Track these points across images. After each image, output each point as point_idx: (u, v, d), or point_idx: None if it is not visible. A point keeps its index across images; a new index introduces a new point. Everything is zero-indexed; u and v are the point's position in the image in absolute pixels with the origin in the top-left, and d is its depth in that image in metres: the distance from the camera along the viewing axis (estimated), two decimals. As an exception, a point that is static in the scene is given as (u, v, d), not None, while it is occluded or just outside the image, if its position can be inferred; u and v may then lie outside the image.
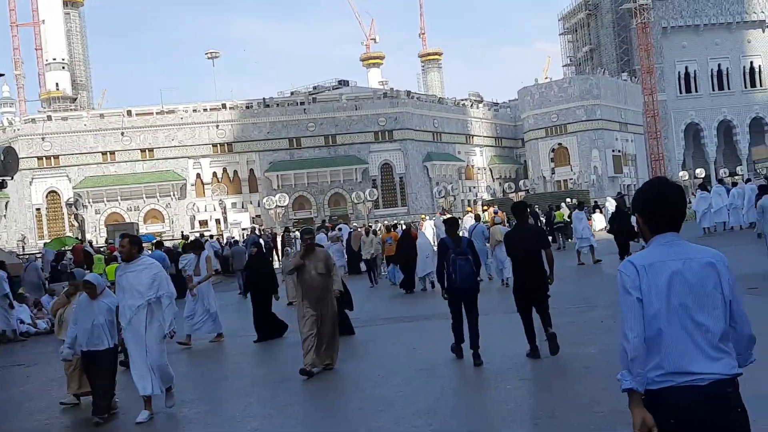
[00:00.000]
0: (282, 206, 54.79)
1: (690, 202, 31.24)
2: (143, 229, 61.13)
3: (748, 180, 31.31)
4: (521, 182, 60.05)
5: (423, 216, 37.13)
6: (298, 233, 25.27)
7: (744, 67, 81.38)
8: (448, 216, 15.31)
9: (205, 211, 63.91)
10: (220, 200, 61.31)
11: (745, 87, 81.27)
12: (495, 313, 11.67)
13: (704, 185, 26.45)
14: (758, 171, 44.07)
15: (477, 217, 22.11)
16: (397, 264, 18.30)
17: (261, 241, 30.86)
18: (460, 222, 20.34)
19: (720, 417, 2.71)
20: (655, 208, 2.97)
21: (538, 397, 7.05)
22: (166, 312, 7.15)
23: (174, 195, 64.34)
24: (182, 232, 51.16)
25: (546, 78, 75.15)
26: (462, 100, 79.10)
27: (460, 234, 9.50)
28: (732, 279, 2.88)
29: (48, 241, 42.25)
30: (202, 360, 11.27)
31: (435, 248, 15.89)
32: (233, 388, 8.79)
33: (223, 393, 8.58)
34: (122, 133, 64.03)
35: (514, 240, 8.57)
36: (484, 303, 11.80)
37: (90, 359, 7.27)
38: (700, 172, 51.27)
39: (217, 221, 60.35)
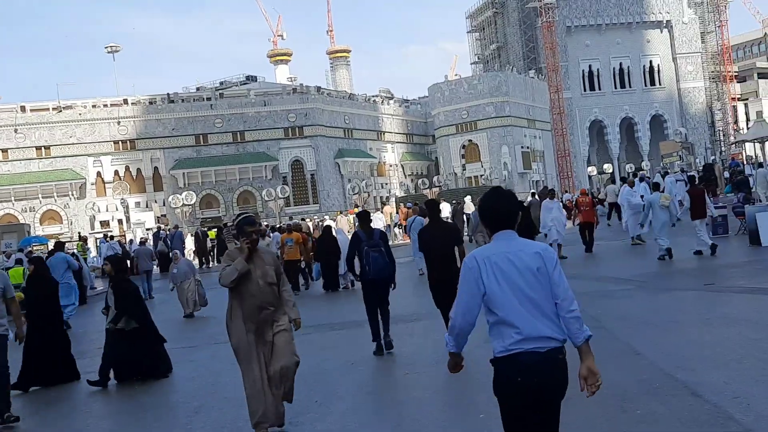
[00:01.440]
0: (189, 205, 52.77)
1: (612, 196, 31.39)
2: (40, 231, 57.88)
3: (682, 170, 31.84)
4: (435, 178, 59.97)
5: (338, 212, 36.29)
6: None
7: (644, 66, 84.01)
8: (360, 210, 15.64)
9: (107, 210, 60.96)
10: (122, 199, 58.60)
11: (645, 85, 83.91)
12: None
13: (642, 177, 26.40)
14: (664, 165, 45.17)
15: (422, 212, 21.64)
16: (318, 262, 17.87)
17: (164, 242, 29.66)
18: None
19: (552, 376, 3.40)
20: (493, 214, 3.60)
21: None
22: None
23: (73, 195, 61.15)
24: (79, 233, 48.55)
25: (456, 75, 75.41)
26: (373, 96, 78.53)
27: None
28: (555, 265, 3.48)
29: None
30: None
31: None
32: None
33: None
34: (15, 130, 60.36)
35: (429, 237, 8.67)
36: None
37: None
38: (608, 168, 52.67)
39: (120, 221, 57.64)
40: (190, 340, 12.27)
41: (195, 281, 14.88)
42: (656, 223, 15.41)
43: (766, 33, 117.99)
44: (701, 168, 33.20)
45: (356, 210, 46.31)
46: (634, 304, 10.66)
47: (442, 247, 8.43)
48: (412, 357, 8.34)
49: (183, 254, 30.23)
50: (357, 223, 9.70)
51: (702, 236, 15.31)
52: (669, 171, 35.44)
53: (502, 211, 3.59)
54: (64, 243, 20.02)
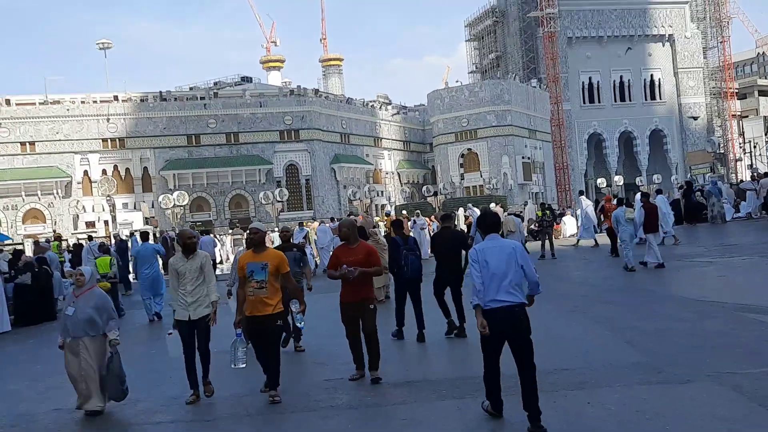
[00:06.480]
0: (180, 206, 50.32)
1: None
2: (21, 230, 55.36)
3: (754, 177, 30.23)
4: (441, 185, 58.04)
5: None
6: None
7: (644, 79, 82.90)
8: (396, 218, 15.77)
9: (93, 210, 58.53)
10: (108, 197, 55.96)
11: (646, 99, 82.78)
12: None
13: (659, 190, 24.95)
14: (692, 176, 43.17)
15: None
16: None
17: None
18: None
19: (511, 321, 5.75)
20: (487, 224, 6.16)
21: None
22: None
23: (58, 193, 58.66)
24: (54, 229, 45.69)
25: (457, 81, 73.65)
26: (371, 101, 76.60)
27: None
28: (523, 254, 5.89)
29: None
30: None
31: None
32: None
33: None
34: (-1, 124, 57.91)
35: (440, 241, 10.54)
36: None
37: None
38: (618, 180, 51.09)
39: (106, 222, 55.10)
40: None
41: (107, 342, 7.52)
42: (623, 235, 16.36)
43: (760, 53, 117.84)
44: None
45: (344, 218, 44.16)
46: None
47: (448, 250, 10.28)
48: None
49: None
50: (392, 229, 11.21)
51: (654, 249, 16.00)
52: (663, 189, 33.11)
53: (492, 223, 6.17)
54: (148, 233, 19.21)
